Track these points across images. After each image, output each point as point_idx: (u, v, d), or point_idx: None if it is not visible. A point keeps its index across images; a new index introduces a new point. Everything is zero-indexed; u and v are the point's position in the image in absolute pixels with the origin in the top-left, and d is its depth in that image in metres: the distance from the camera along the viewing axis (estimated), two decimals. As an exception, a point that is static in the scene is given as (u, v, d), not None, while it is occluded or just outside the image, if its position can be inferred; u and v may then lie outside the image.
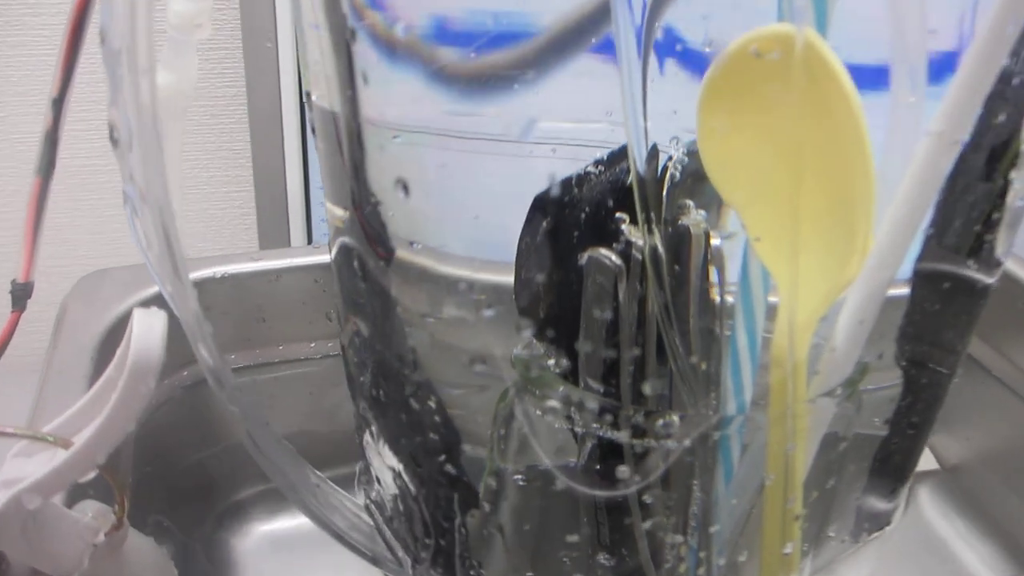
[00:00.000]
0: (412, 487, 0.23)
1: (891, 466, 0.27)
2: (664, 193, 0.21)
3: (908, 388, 0.25)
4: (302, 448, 0.35)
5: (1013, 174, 0.23)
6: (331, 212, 0.23)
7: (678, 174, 0.21)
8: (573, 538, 0.23)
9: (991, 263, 0.24)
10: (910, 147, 0.20)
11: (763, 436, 0.23)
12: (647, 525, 0.22)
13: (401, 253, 0.21)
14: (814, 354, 0.22)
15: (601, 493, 0.23)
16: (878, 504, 0.28)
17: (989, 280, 0.25)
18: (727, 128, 0.20)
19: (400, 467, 0.23)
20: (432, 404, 0.22)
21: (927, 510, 0.41)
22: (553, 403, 0.21)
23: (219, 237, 0.79)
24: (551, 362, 0.21)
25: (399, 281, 0.21)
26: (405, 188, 0.19)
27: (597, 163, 0.21)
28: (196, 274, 0.37)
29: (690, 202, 0.21)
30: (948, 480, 0.42)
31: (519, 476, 0.22)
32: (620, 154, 0.20)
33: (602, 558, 0.23)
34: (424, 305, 0.21)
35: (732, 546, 0.25)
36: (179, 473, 0.37)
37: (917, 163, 0.20)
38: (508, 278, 0.21)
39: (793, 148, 0.20)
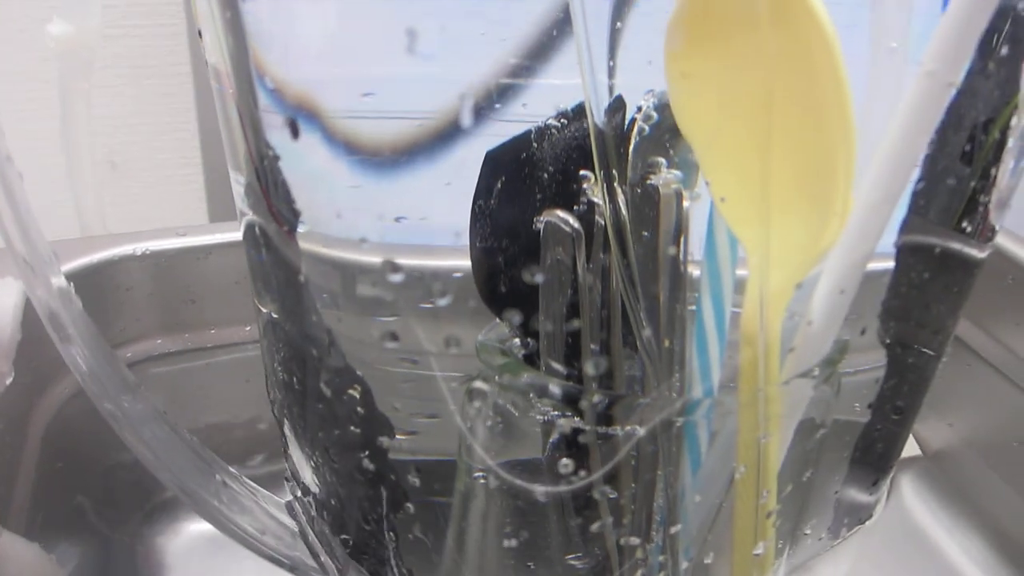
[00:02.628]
0: (331, 485, 0.20)
1: (873, 455, 0.25)
2: (631, 149, 0.19)
3: (893, 369, 0.23)
4: (238, 441, 0.32)
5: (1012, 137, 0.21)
6: (235, 186, 0.21)
7: (648, 128, 0.19)
8: (511, 543, 0.20)
9: (982, 237, 0.22)
10: (894, 97, 0.18)
11: (732, 423, 0.21)
12: (596, 527, 0.20)
13: (305, 218, 0.18)
14: (789, 330, 0.20)
15: (545, 488, 0.20)
16: (858, 496, 0.26)
17: (980, 255, 0.22)
18: (697, 72, 0.17)
19: (318, 462, 0.20)
20: (355, 394, 0.19)
21: (909, 499, 0.39)
22: (518, 392, 0.19)
23: (173, 220, 0.77)
24: (516, 344, 0.19)
25: (305, 251, 0.18)
26: (295, 130, 0.16)
27: (559, 115, 0.18)
28: (115, 251, 0.34)
29: (662, 160, 0.19)
30: (931, 467, 0.40)
31: (479, 474, 0.20)
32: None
33: (571, 560, 0.21)
34: (335, 282, 0.18)
35: (699, 547, 0.22)
36: (100, 470, 0.34)
37: (905, 109, 0.18)
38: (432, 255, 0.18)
39: (761, 96, 0.17)
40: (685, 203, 0.19)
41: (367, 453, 0.19)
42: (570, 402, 0.19)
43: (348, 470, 0.19)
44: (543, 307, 0.19)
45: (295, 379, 0.20)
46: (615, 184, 0.18)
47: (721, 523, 0.22)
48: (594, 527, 0.20)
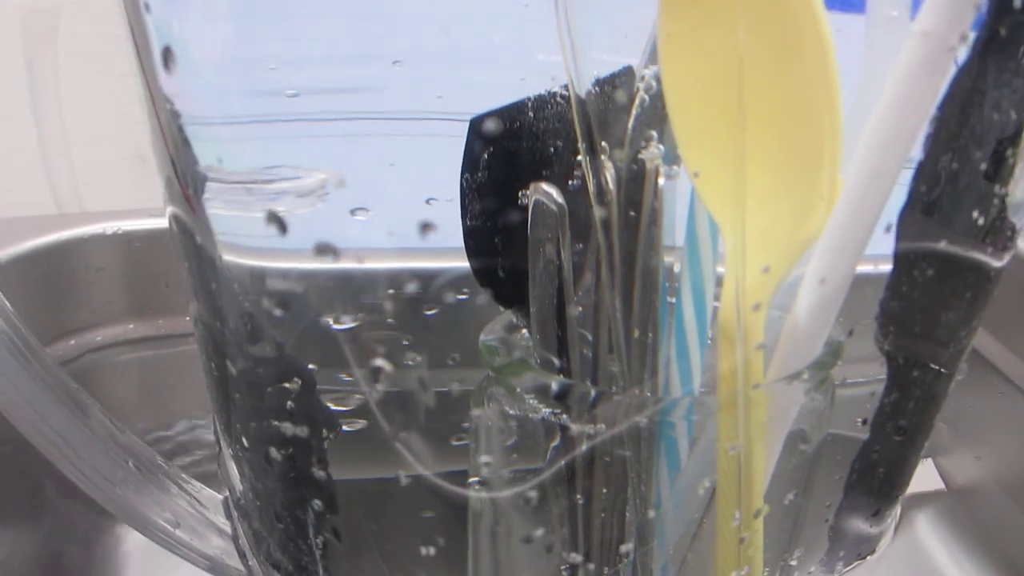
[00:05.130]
0: (254, 484, 0.18)
1: (873, 481, 0.23)
2: (631, 122, 0.17)
3: (893, 382, 0.21)
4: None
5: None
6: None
7: (647, 98, 0.17)
8: (431, 550, 0.18)
9: (1000, 237, 0.20)
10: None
11: (712, 428, 0.19)
12: (540, 533, 0.18)
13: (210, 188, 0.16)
14: (772, 326, 0.18)
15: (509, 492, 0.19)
16: (858, 527, 0.23)
17: (996, 262, 0.20)
18: (678, 31, 0.16)
19: (239, 455, 0.18)
20: (289, 386, 0.17)
21: (927, 539, 0.36)
22: (519, 394, 0.18)
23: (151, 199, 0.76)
24: (524, 337, 0.18)
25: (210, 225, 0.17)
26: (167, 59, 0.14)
27: (566, 85, 0.17)
28: (84, 229, 0.33)
29: (654, 133, 0.17)
30: (954, 504, 0.37)
31: (475, 480, 0.19)
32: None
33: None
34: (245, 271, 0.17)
35: (677, 567, 0.20)
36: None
37: (899, 76, 0.16)
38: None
39: (732, 58, 0.16)
40: (660, 180, 0.17)
41: (292, 451, 0.17)
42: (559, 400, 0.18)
43: (264, 468, 0.18)
44: (532, 291, 0.17)
45: (213, 365, 0.18)
46: (601, 159, 0.17)
47: (702, 543, 0.20)
48: (537, 532, 0.18)
